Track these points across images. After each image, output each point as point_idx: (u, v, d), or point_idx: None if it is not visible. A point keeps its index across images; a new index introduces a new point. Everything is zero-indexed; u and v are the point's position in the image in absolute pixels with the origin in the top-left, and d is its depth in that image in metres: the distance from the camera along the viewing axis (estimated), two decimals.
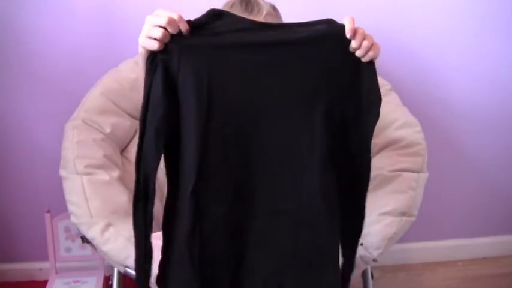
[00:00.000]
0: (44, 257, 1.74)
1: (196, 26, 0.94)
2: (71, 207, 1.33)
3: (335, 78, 0.98)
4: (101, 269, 1.74)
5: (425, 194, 1.36)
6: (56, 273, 1.73)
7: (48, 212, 1.67)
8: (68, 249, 1.72)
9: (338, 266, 1.08)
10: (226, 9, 1.28)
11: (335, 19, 0.98)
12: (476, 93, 1.87)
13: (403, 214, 1.30)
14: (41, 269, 1.88)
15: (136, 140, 1.53)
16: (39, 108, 1.75)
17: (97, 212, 1.30)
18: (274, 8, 1.30)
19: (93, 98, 1.48)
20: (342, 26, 0.96)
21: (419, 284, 1.96)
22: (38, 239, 1.77)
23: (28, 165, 1.81)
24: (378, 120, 1.00)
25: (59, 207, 1.47)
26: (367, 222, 1.30)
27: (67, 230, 1.70)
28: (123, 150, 1.51)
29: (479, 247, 2.06)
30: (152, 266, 1.17)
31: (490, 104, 1.89)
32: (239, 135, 0.98)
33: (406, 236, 1.33)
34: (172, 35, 0.93)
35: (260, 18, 1.25)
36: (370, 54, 0.97)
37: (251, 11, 1.26)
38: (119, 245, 1.25)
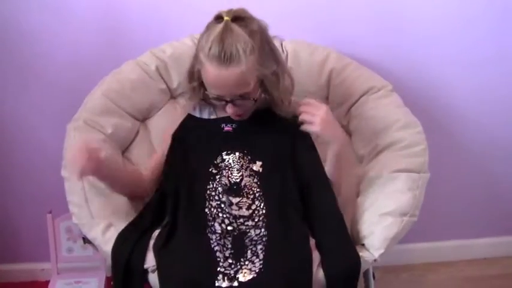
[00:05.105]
0: (46, 258, 1.74)
1: None
2: (72, 208, 1.33)
3: None
4: (102, 269, 1.74)
5: (426, 194, 1.36)
6: (58, 273, 1.73)
7: (50, 212, 1.67)
8: (70, 250, 1.72)
9: None
10: (204, 59, 1.23)
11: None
12: (478, 93, 1.87)
13: (404, 215, 1.30)
14: (43, 270, 1.89)
15: (137, 141, 1.54)
16: (41, 109, 1.75)
17: (98, 212, 1.31)
18: (254, 37, 1.23)
19: (94, 98, 1.48)
20: None
21: (421, 284, 1.95)
22: (40, 240, 1.77)
23: (30, 166, 1.81)
24: None
25: (61, 208, 1.47)
26: (369, 223, 1.31)
27: (69, 230, 1.70)
28: (124, 151, 1.51)
29: (480, 248, 2.05)
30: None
31: (492, 105, 1.88)
32: None
33: (408, 236, 1.33)
34: None
35: (237, 71, 1.21)
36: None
37: (229, 64, 1.21)
38: None
